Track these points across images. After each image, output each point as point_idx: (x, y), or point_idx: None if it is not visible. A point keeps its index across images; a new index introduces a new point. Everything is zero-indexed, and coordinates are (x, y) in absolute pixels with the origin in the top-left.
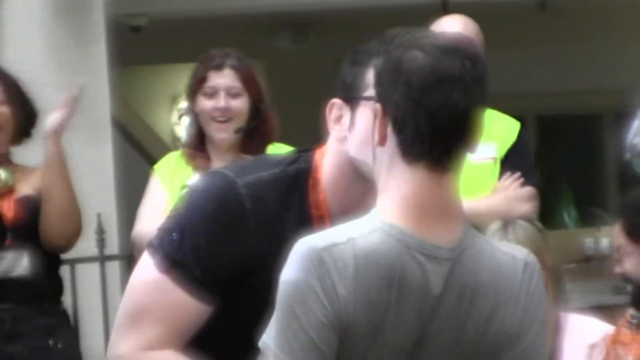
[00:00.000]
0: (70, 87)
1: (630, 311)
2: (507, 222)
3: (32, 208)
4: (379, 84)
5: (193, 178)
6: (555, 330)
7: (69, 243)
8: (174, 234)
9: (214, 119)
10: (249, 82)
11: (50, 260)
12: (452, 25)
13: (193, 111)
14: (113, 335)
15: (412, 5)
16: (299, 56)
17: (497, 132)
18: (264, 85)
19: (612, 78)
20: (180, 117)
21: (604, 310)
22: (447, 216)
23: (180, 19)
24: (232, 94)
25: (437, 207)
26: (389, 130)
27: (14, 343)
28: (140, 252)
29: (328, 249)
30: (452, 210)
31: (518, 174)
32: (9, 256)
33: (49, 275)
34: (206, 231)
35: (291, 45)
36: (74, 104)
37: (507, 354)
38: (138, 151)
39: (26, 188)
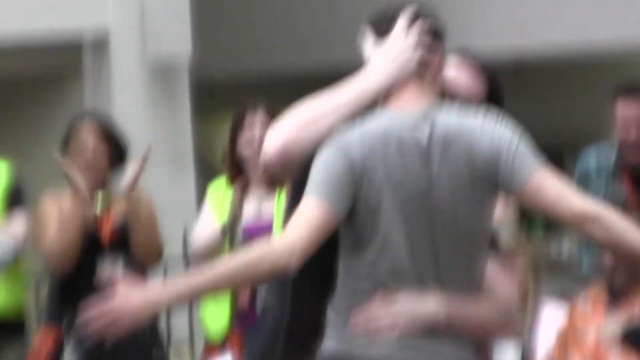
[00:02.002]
0: (145, 146)
1: (582, 294)
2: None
3: (124, 231)
4: None
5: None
6: (532, 319)
7: (152, 263)
8: None
9: (252, 145)
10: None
11: (141, 265)
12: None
13: (235, 144)
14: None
15: None
16: None
17: None
18: None
19: (569, 120)
20: (223, 152)
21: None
22: (419, 97)
23: (243, 78)
24: (265, 126)
25: (413, 92)
26: None
27: None
28: (194, 255)
29: (344, 133)
30: (423, 94)
31: None
32: (107, 264)
33: (138, 277)
34: None
35: None
36: (145, 162)
37: (499, 173)
38: (214, 177)
39: (119, 213)
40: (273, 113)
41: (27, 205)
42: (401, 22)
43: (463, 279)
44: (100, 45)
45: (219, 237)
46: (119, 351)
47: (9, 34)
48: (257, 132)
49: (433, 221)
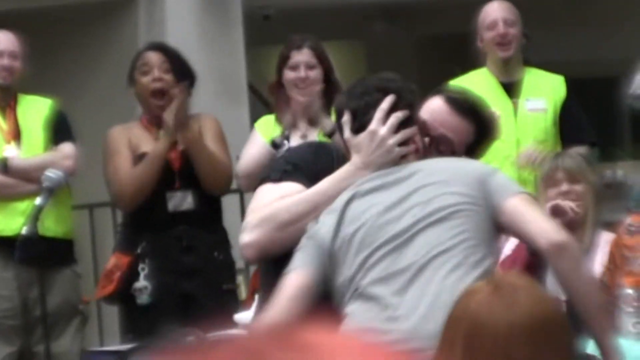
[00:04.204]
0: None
1: (628, 220)
2: (559, 152)
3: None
4: None
5: (280, 135)
6: (591, 246)
7: (220, 191)
8: (286, 167)
9: (296, 86)
10: (321, 57)
11: (211, 195)
12: (493, 9)
13: (280, 83)
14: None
15: None
16: (390, 36)
17: (546, 88)
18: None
19: (625, 48)
20: (270, 92)
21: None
22: None
23: (300, 9)
24: (309, 67)
25: None
26: None
27: (188, 255)
28: (241, 181)
29: None
30: None
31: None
32: (178, 195)
33: (210, 205)
34: (305, 155)
35: (384, 28)
36: (183, 95)
37: None
38: (268, 109)
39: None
40: (319, 51)
41: (73, 137)
42: (379, 112)
43: None
44: None
45: (269, 153)
46: (195, 281)
47: None
48: (301, 73)
49: None
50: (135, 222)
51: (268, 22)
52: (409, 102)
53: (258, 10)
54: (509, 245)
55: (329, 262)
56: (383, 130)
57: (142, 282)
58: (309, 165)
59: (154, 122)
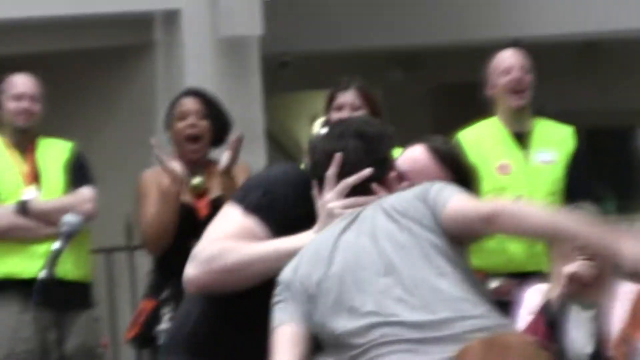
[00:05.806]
0: (234, 133)
1: None
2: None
3: (221, 207)
4: None
5: None
6: (611, 299)
7: None
8: (262, 199)
9: None
10: (368, 99)
11: None
12: (508, 55)
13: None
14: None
15: (490, 41)
16: (406, 85)
17: (556, 140)
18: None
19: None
20: (321, 127)
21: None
22: None
23: (316, 56)
24: (355, 108)
25: None
26: None
27: None
28: None
29: None
30: None
31: None
32: None
33: None
34: (287, 193)
35: (400, 76)
36: (239, 145)
37: None
38: (285, 157)
39: (217, 189)
40: (365, 92)
41: (92, 180)
42: (328, 180)
43: None
44: (171, 21)
45: None
46: None
47: (79, 10)
48: (344, 114)
49: None
50: (161, 269)
51: (285, 69)
52: (380, 154)
53: (276, 57)
54: (524, 316)
55: None
56: (332, 204)
57: (163, 325)
58: (287, 207)
59: (186, 167)
